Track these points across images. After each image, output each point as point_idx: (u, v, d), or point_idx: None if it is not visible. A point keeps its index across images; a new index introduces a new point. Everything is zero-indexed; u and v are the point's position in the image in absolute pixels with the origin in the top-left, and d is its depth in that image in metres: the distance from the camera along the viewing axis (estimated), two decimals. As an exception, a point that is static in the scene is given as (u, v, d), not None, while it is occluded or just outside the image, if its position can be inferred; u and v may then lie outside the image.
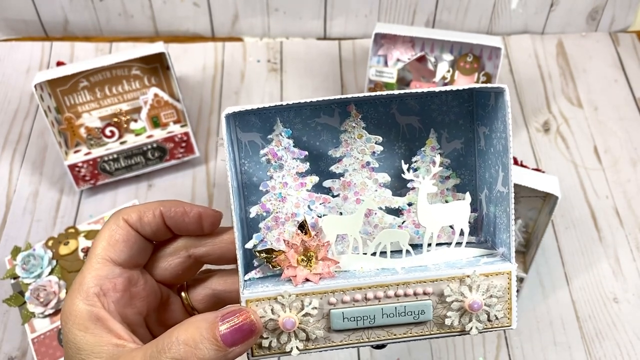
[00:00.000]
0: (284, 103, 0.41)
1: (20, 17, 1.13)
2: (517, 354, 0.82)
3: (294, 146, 0.46)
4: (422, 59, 0.99)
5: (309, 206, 0.46)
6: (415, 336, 0.44)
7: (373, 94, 0.43)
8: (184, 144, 0.95)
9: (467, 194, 0.47)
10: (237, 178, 0.47)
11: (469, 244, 0.47)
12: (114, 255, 0.44)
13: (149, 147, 0.94)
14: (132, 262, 0.45)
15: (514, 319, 0.44)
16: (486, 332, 0.44)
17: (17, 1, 1.10)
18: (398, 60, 0.99)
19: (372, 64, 0.98)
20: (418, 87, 0.98)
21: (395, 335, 0.44)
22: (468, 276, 0.43)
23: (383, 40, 0.98)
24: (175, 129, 0.96)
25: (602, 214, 0.94)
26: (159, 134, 0.95)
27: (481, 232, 0.50)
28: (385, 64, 0.99)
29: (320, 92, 1.09)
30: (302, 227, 0.44)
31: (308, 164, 0.46)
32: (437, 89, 0.43)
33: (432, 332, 0.44)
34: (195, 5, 1.13)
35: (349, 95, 0.44)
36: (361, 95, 0.43)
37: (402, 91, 0.43)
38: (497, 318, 0.44)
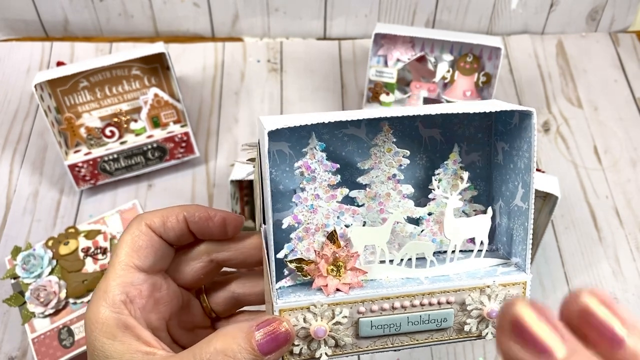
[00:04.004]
0: (323, 121, 0.42)
1: (20, 17, 1.13)
2: (517, 354, 0.82)
3: (326, 159, 0.46)
4: (422, 59, 1.00)
5: (338, 217, 0.47)
6: (436, 341, 0.46)
7: (409, 112, 0.43)
8: (184, 144, 0.95)
9: (489, 208, 0.48)
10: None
11: (485, 252, 0.49)
12: (138, 262, 0.44)
13: (149, 147, 0.94)
14: (156, 267, 0.45)
15: None
16: None
17: (17, 1, 1.10)
18: (398, 60, 0.99)
19: (372, 64, 0.98)
20: (420, 86, 0.98)
21: (417, 340, 0.45)
22: (488, 286, 0.45)
23: (383, 40, 0.98)
24: (175, 129, 0.95)
25: (602, 214, 0.94)
26: (159, 134, 0.95)
27: (493, 241, 0.52)
28: (385, 64, 0.99)
29: (320, 92, 1.09)
30: (332, 237, 0.45)
31: (339, 176, 0.46)
32: (470, 111, 0.43)
33: (451, 338, 0.46)
34: (195, 5, 1.13)
35: (385, 114, 0.44)
36: (398, 114, 0.44)
37: (437, 110, 0.43)
38: None
